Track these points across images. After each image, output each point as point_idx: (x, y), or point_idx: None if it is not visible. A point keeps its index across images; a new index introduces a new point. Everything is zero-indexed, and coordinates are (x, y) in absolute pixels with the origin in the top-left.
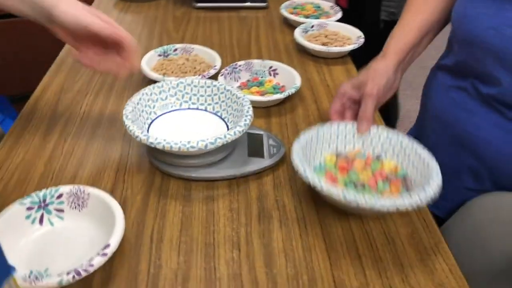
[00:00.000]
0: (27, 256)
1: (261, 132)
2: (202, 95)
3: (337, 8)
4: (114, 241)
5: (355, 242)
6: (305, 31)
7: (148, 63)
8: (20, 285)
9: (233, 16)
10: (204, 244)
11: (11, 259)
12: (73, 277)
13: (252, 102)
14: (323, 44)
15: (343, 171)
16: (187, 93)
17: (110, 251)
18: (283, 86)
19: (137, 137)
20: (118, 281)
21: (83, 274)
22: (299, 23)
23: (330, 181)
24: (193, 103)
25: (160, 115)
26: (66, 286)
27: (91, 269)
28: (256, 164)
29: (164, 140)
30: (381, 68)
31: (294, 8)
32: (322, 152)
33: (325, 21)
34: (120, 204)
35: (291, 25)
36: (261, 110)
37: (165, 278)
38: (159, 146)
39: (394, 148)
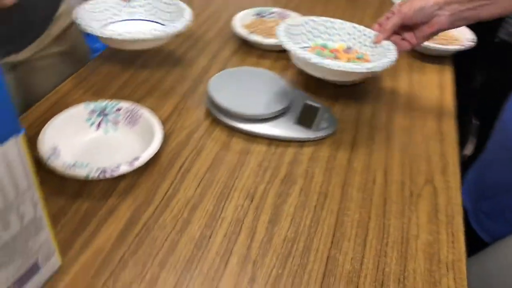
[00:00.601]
0: (77, 151)
1: (319, 106)
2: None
3: None
4: (143, 157)
5: (367, 230)
6: None
7: (242, 19)
8: (58, 168)
9: None
10: (223, 185)
11: (63, 148)
12: (99, 174)
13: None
14: None
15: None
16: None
17: (137, 163)
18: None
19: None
20: (138, 191)
21: (108, 175)
22: None
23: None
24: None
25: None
26: (95, 182)
27: (115, 173)
28: (300, 132)
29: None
30: None
31: None
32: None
33: None
34: (165, 133)
35: None
36: (331, 86)
37: (178, 201)
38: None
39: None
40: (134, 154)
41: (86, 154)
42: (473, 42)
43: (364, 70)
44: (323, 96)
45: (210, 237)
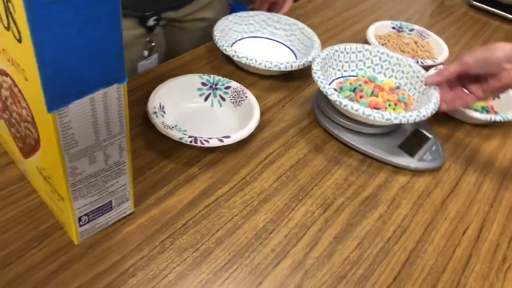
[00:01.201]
0: (181, 115)
1: (431, 137)
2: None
3: None
4: (234, 137)
5: (437, 281)
6: None
7: (378, 29)
8: (158, 125)
9: (504, 27)
10: (300, 187)
11: (169, 109)
12: (190, 141)
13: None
14: None
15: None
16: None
17: (227, 141)
18: (494, 112)
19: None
20: (220, 168)
21: (198, 143)
22: None
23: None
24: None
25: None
26: (186, 148)
27: (206, 144)
28: (399, 157)
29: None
30: (494, 45)
31: None
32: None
33: None
34: (263, 121)
35: None
36: (451, 120)
37: (252, 188)
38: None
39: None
40: (231, 131)
41: (189, 120)
42: None
43: (373, 119)
44: (441, 127)
45: (271, 233)
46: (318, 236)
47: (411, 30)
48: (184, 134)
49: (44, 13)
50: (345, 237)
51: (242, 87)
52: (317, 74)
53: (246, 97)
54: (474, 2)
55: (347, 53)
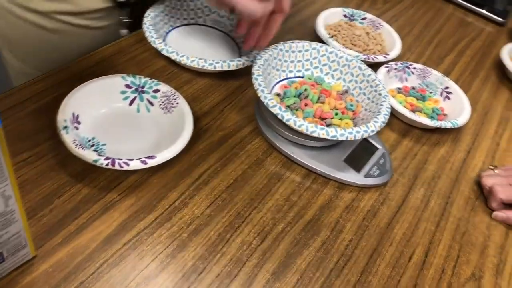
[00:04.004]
0: (101, 124)
1: (379, 147)
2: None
3: None
4: (159, 158)
5: None
6: None
7: (328, 18)
8: (67, 144)
9: (457, 14)
10: (237, 213)
11: (86, 118)
12: (108, 164)
13: (396, 112)
14: None
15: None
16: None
17: (150, 162)
18: (444, 115)
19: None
20: (144, 192)
21: (116, 166)
22: None
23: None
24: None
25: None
26: (102, 168)
27: (125, 167)
28: (344, 174)
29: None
30: None
31: None
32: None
33: None
34: (200, 129)
35: None
36: (401, 124)
37: (181, 218)
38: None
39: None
40: (158, 144)
41: (110, 130)
42: None
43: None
44: (390, 132)
45: (201, 273)
46: (254, 273)
47: (363, 18)
48: (100, 156)
49: None
50: (283, 272)
51: (173, 91)
52: (258, 80)
53: (177, 103)
54: None
55: (293, 52)
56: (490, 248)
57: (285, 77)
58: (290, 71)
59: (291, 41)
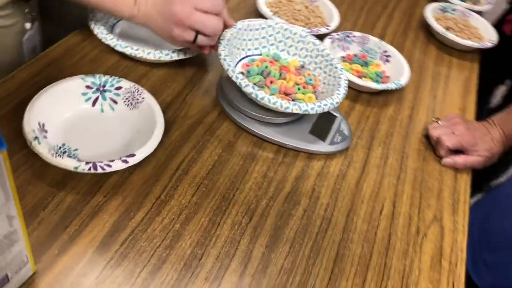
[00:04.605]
0: (68, 129)
1: (337, 115)
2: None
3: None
4: (140, 155)
5: (366, 270)
6: (444, 10)
7: None
8: (43, 155)
9: None
10: (221, 196)
11: (52, 125)
12: (89, 168)
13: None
14: (447, 28)
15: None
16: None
17: (132, 161)
18: (387, 77)
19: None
20: (128, 191)
21: (99, 170)
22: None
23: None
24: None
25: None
26: (80, 174)
27: (108, 169)
28: (312, 144)
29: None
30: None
31: None
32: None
33: (472, 8)
34: (167, 121)
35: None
36: (351, 91)
37: (170, 209)
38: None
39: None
40: (132, 141)
41: (78, 134)
42: (493, 43)
43: (292, 111)
44: (343, 103)
45: (201, 258)
46: (250, 249)
47: None
48: (79, 161)
49: None
50: (276, 244)
51: (137, 86)
52: (227, 61)
53: (143, 98)
54: None
55: (251, 30)
56: (445, 191)
57: (245, 55)
58: (249, 49)
59: (248, 20)
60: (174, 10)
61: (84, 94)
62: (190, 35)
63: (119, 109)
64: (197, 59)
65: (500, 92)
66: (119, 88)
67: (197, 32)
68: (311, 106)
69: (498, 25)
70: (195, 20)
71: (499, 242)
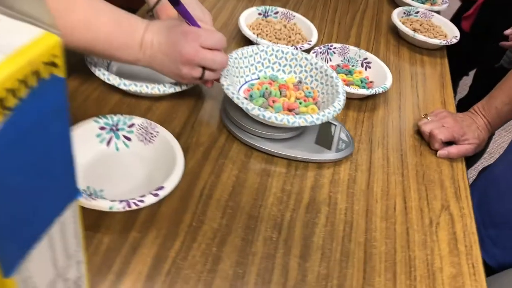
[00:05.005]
0: (88, 172)
1: (336, 124)
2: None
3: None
4: (169, 186)
5: (395, 265)
6: (408, 14)
7: (247, 19)
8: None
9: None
10: (248, 215)
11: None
12: (124, 207)
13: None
14: (414, 30)
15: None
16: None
17: (162, 193)
18: (371, 82)
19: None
20: (161, 222)
21: (133, 207)
22: (405, 4)
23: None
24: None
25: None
26: (111, 213)
27: (141, 205)
28: (320, 154)
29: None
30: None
31: None
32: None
33: (432, 9)
34: (182, 150)
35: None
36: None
37: (204, 234)
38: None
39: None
40: (153, 175)
41: (98, 175)
42: (456, 39)
43: (298, 125)
44: None
45: (243, 277)
46: (286, 261)
47: (276, 13)
48: (113, 201)
49: None
50: (308, 253)
51: (149, 121)
52: (230, 90)
53: (157, 132)
54: None
55: (245, 57)
56: (446, 181)
57: (244, 82)
58: (247, 75)
59: (241, 48)
60: (183, 51)
61: (98, 135)
62: (197, 72)
63: (133, 145)
64: (195, 89)
65: (463, 83)
66: (132, 125)
67: (203, 68)
68: (316, 117)
69: (455, 22)
70: (203, 58)
71: (503, 223)
